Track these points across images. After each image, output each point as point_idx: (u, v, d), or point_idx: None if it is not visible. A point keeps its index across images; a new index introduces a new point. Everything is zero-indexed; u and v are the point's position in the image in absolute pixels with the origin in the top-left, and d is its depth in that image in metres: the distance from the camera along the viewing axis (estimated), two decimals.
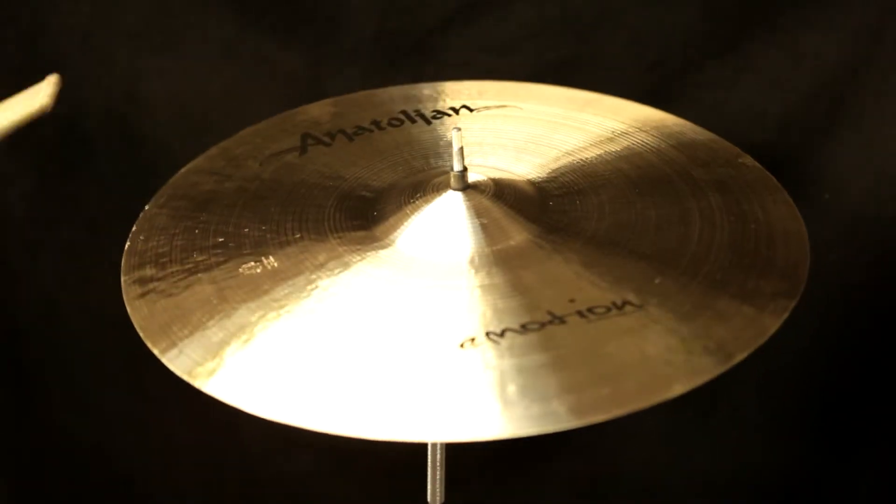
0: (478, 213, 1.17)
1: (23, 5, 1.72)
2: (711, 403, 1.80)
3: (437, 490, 1.30)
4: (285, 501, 1.89)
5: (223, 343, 1.07)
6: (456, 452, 1.31)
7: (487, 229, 1.16)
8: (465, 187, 1.18)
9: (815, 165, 1.70)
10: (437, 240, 1.15)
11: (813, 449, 1.81)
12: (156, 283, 1.13)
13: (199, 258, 1.15)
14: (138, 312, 1.11)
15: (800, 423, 1.81)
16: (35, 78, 1.74)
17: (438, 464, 1.29)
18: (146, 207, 1.23)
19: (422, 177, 1.23)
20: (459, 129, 1.18)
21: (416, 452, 1.31)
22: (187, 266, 1.14)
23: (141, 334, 1.09)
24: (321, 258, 1.14)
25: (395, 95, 1.36)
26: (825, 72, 1.68)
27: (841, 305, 1.74)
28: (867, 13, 1.65)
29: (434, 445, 1.28)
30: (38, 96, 1.14)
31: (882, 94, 1.67)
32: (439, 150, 1.28)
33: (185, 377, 1.05)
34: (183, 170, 1.27)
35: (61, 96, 1.74)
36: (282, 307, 1.09)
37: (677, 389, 1.00)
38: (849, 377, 1.78)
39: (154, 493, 1.88)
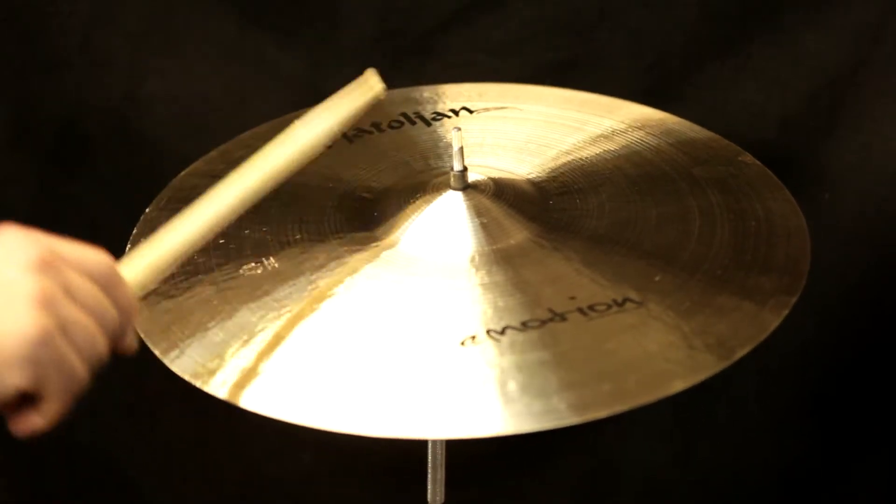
0: (478, 212, 1.17)
1: (23, 5, 1.72)
2: (712, 403, 1.80)
3: (437, 490, 1.30)
4: (285, 501, 1.89)
5: (224, 343, 1.07)
6: (456, 452, 1.31)
7: (488, 228, 1.16)
8: (466, 187, 1.19)
9: (815, 165, 1.70)
10: (438, 239, 1.15)
11: (813, 448, 1.81)
12: (156, 285, 1.13)
13: (200, 259, 1.15)
14: (139, 314, 1.11)
15: (800, 422, 1.81)
16: (35, 78, 1.74)
17: (438, 463, 1.29)
18: (147, 210, 1.23)
19: (422, 177, 1.23)
20: (459, 129, 1.18)
21: (416, 452, 1.31)
22: (188, 268, 1.14)
23: (142, 335, 1.09)
24: (322, 258, 1.14)
25: (394, 98, 1.36)
26: (825, 72, 1.68)
27: (841, 305, 1.74)
28: (867, 13, 1.65)
29: (434, 445, 1.28)
30: (368, 86, 1.14)
31: (882, 94, 1.67)
32: (439, 151, 1.28)
33: (187, 377, 1.05)
34: (182, 172, 1.27)
35: (61, 96, 1.75)
36: (283, 307, 1.09)
37: (678, 385, 1.00)
38: (849, 376, 1.78)
39: (154, 493, 1.88)
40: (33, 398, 0.87)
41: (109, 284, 0.91)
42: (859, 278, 1.73)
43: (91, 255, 0.91)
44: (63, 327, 0.86)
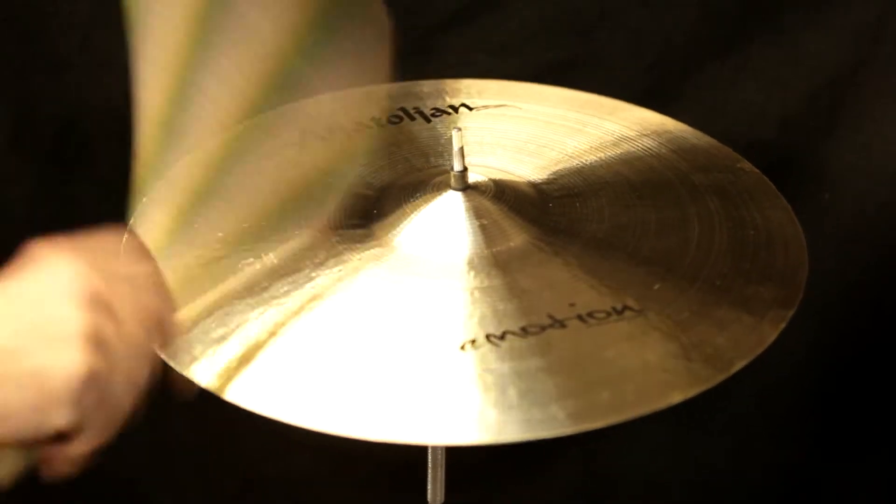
0: (478, 213, 1.16)
1: (23, 5, 1.71)
2: (712, 406, 1.80)
3: (437, 490, 1.30)
4: (285, 502, 1.89)
5: (221, 339, 1.07)
6: (456, 453, 1.31)
7: (487, 230, 1.15)
8: (466, 187, 1.18)
9: (815, 165, 1.70)
10: (437, 240, 1.15)
11: (812, 451, 1.81)
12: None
13: (197, 254, 1.15)
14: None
15: (799, 426, 1.81)
16: (35, 78, 1.74)
17: (439, 464, 1.29)
18: (143, 200, 1.23)
19: (421, 175, 1.23)
20: (460, 130, 1.17)
21: (416, 453, 1.31)
22: (185, 261, 1.14)
23: None
24: (321, 256, 1.14)
25: (394, 92, 1.36)
26: (825, 72, 1.68)
27: (841, 306, 1.74)
28: (867, 13, 1.65)
29: (435, 446, 1.28)
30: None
31: (882, 94, 1.67)
32: (439, 148, 1.28)
33: (184, 373, 1.05)
34: (180, 163, 1.27)
35: (61, 96, 1.75)
36: (281, 304, 1.09)
37: (676, 397, 1.00)
38: (849, 379, 1.78)
39: (154, 493, 1.88)
40: (69, 435, 0.85)
41: (154, 298, 0.89)
42: (859, 278, 1.72)
43: (138, 272, 0.89)
44: (112, 365, 0.84)
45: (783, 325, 1.06)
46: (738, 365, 1.03)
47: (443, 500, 1.31)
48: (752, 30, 1.68)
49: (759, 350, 1.04)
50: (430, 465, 1.29)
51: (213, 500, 1.89)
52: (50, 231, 1.76)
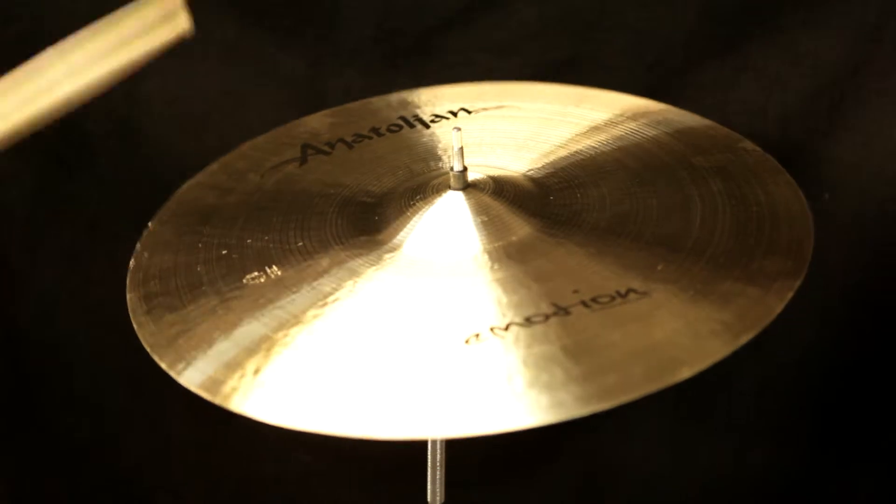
0: (479, 210, 1.17)
1: (23, 5, 1.71)
2: (712, 405, 1.80)
3: (437, 490, 1.30)
4: (285, 501, 1.89)
5: (230, 353, 1.07)
6: (456, 453, 1.31)
7: (489, 226, 1.16)
8: (466, 186, 1.19)
9: (814, 165, 1.70)
10: (440, 239, 1.15)
11: (812, 450, 1.81)
12: (161, 298, 1.13)
13: (203, 271, 1.15)
14: (145, 329, 1.11)
15: (799, 425, 1.81)
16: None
17: (438, 464, 1.29)
18: (149, 225, 1.23)
19: (422, 179, 1.23)
20: (459, 130, 1.18)
21: (416, 453, 1.31)
22: (192, 280, 1.15)
23: (149, 350, 1.09)
24: (325, 264, 1.14)
25: (392, 102, 1.36)
26: (825, 72, 1.68)
27: (841, 306, 1.74)
28: (867, 13, 1.65)
29: (434, 445, 1.28)
30: (170, 20, 1.03)
31: (882, 94, 1.67)
32: (438, 153, 1.28)
33: (194, 389, 1.05)
34: (184, 186, 1.28)
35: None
36: (287, 315, 1.09)
37: (685, 373, 1.00)
38: (849, 378, 1.78)
39: (154, 493, 1.88)
40: None
41: None
42: (859, 278, 1.73)
43: None
44: None
45: (790, 296, 1.06)
46: (746, 337, 1.03)
47: (443, 500, 1.31)
48: (752, 30, 1.68)
49: (766, 322, 1.04)
50: (429, 464, 1.29)
51: (213, 500, 1.89)
52: (50, 231, 1.76)
